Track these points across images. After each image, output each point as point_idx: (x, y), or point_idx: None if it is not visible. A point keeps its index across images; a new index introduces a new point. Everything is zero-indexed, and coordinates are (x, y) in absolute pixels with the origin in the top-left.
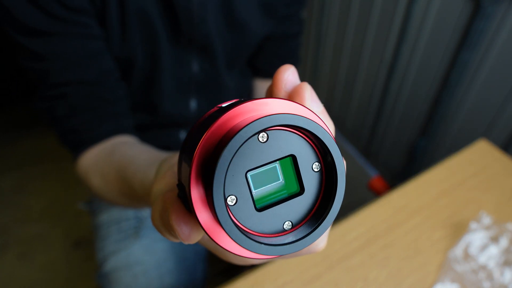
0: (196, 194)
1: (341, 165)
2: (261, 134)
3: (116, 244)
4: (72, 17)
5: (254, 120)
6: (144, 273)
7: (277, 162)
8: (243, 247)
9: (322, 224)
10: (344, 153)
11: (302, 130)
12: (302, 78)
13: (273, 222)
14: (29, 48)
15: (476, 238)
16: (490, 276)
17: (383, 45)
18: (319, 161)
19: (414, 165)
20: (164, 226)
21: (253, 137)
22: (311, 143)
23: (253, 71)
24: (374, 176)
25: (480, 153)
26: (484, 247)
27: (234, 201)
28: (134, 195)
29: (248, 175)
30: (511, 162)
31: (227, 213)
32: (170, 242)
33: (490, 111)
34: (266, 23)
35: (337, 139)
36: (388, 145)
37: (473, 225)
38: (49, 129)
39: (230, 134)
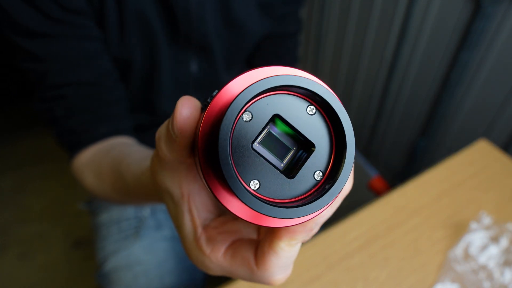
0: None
1: (334, 100)
2: (244, 114)
3: (116, 244)
4: (70, 18)
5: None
6: (145, 273)
7: (268, 125)
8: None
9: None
10: None
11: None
12: None
13: (305, 179)
14: (28, 50)
15: (476, 238)
16: (490, 276)
17: (383, 45)
18: (310, 104)
19: (414, 165)
20: (166, 129)
21: (236, 119)
22: (293, 94)
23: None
24: (374, 176)
25: (480, 153)
26: (484, 247)
27: (258, 185)
28: (126, 188)
29: (255, 146)
30: (511, 162)
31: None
32: (171, 242)
33: (490, 111)
34: (264, 22)
35: None
36: (388, 145)
37: (473, 225)
38: (48, 129)
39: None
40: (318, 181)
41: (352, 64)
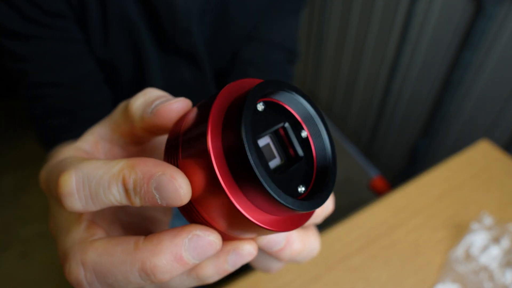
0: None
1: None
2: (259, 104)
3: None
4: (50, 21)
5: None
6: None
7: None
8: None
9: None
10: (345, 153)
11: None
12: (304, 78)
13: (287, 186)
14: (8, 48)
15: (477, 238)
16: (491, 277)
17: (384, 45)
18: (303, 129)
19: (415, 165)
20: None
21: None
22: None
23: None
24: (375, 176)
25: (482, 154)
26: (485, 248)
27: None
28: None
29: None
30: None
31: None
32: None
33: (491, 112)
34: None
35: (338, 139)
36: (389, 145)
37: (474, 225)
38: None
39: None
40: (300, 194)
41: (353, 64)
